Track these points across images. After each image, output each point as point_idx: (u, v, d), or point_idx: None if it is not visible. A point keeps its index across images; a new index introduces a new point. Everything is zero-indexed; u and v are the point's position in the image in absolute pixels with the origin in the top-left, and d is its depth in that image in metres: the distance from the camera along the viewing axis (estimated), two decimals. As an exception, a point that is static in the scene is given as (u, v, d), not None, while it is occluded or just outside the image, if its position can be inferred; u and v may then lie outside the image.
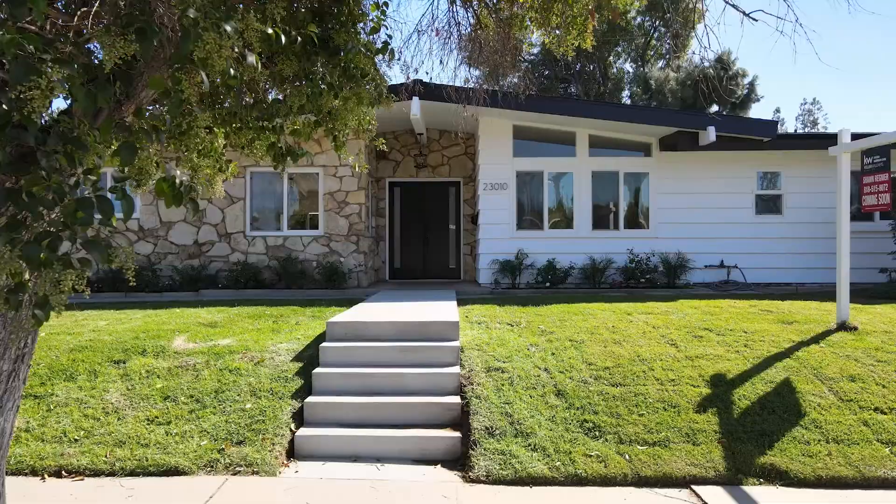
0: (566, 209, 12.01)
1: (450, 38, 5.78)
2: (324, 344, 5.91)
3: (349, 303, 8.88)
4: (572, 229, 11.84)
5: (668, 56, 37.63)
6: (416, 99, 10.48)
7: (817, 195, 11.58)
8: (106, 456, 4.52)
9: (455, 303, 8.29)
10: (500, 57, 5.69)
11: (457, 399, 5.26)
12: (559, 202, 12.06)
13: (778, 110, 61.54)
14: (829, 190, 11.60)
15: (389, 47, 4.25)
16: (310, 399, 5.27)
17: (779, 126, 10.57)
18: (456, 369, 5.61)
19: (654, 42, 38.14)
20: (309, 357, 5.97)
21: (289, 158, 4.41)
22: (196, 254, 11.52)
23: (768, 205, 11.76)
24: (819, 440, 4.66)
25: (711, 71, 33.01)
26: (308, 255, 11.52)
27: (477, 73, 7.78)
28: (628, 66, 39.61)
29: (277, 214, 11.79)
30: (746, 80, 32.34)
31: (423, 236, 13.65)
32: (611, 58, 38.36)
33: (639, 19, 36.77)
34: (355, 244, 11.54)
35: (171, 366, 5.77)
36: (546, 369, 5.69)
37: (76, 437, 4.74)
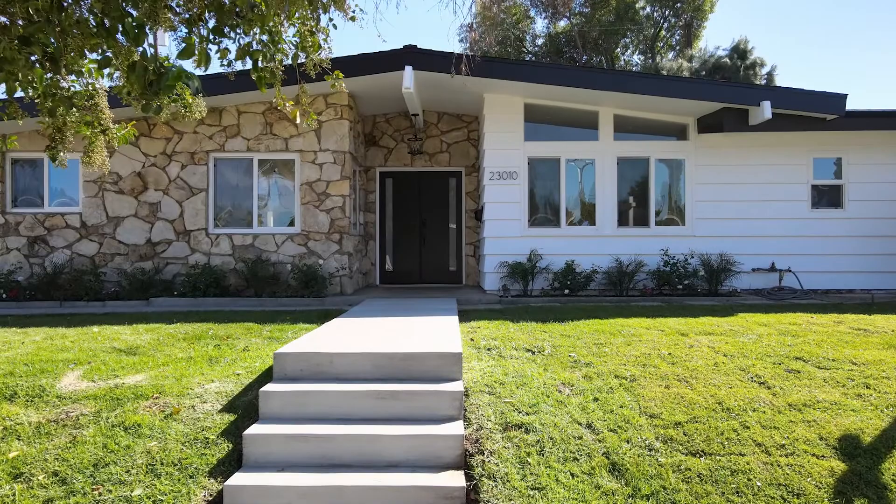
0: (587, 202, 10.20)
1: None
2: (267, 387, 4.10)
3: (323, 317, 7.08)
4: (594, 226, 10.03)
5: (678, 47, 35.94)
6: (408, 69, 8.69)
7: (886, 185, 9.77)
8: None
9: (456, 318, 6.48)
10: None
11: (459, 479, 3.45)
12: (579, 194, 10.24)
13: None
14: (902, 179, 9.81)
15: None
16: (235, 478, 3.46)
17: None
18: (458, 427, 3.80)
19: (663, 33, 36.41)
20: (246, 405, 4.16)
21: (166, 99, 2.65)
22: (149, 255, 9.72)
23: (827, 197, 9.94)
24: None
25: (728, 60, 31.29)
26: (282, 256, 9.72)
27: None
28: (636, 58, 37.87)
29: (246, 209, 9.98)
30: (765, 70, 30.46)
31: (419, 234, 11.85)
32: (618, 50, 36.65)
33: (647, 9, 35.10)
34: (338, 243, 9.73)
35: (44, 419, 3.96)
36: (589, 426, 3.88)
37: None
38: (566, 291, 9.35)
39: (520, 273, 9.48)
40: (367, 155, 11.72)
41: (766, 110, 8.62)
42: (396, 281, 11.78)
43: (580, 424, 3.89)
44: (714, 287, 9.45)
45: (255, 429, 3.76)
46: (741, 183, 9.88)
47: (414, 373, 4.28)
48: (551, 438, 3.71)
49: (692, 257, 9.58)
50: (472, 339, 5.62)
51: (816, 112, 8.85)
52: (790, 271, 9.70)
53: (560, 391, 4.36)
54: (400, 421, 3.89)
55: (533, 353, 5.22)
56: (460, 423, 3.87)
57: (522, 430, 3.80)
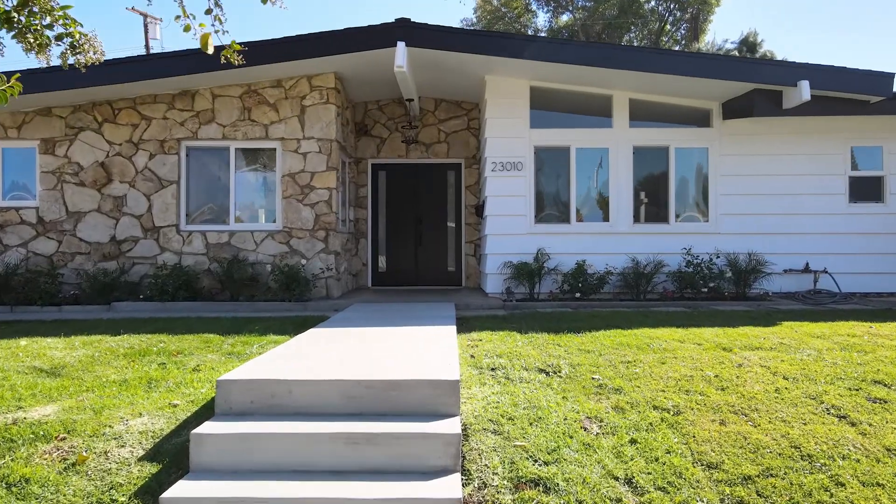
0: (600, 196, 9.23)
1: None
2: (202, 428, 3.12)
3: (300, 325, 6.12)
4: (608, 222, 9.06)
5: (684, 41, 35.04)
6: (401, 45, 7.71)
7: (933, 177, 8.81)
8: None
9: (454, 327, 5.52)
10: None
11: (455, 565, 2.48)
12: (591, 187, 9.27)
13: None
14: (951, 170, 8.84)
15: None
16: (143, 564, 2.49)
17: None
18: (454, 485, 2.83)
19: (668, 27, 35.52)
20: (177, 449, 3.19)
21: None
22: (113, 254, 8.75)
23: (866, 190, 8.96)
24: None
25: (737, 53, 30.33)
26: (261, 255, 8.75)
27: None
28: (641, 53, 36.82)
29: (222, 203, 8.99)
30: (775, 64, 29.45)
31: (414, 232, 10.88)
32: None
33: (652, 2, 34.27)
34: (323, 241, 8.76)
35: None
36: (629, 481, 2.91)
37: None
38: (577, 295, 8.38)
39: (525, 274, 8.51)
40: (358, 145, 10.75)
41: (803, 91, 7.65)
42: (390, 283, 10.81)
43: (617, 480, 2.92)
44: (742, 290, 8.48)
45: (179, 488, 2.79)
46: (770, 174, 8.91)
47: (397, 406, 3.30)
48: (580, 502, 2.74)
49: (717, 257, 8.61)
50: (472, 356, 4.65)
51: (860, 93, 7.88)
52: (826, 272, 8.72)
53: (586, 429, 3.38)
54: (377, 475, 2.92)
55: (547, 374, 4.25)
56: (457, 477, 2.90)
57: (540, 488, 2.83)
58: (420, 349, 4.29)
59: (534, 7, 35.41)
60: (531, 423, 3.39)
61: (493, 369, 4.32)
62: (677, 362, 4.50)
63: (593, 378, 4.13)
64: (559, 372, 4.28)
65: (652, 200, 9.20)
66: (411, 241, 10.88)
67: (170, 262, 8.66)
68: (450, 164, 10.86)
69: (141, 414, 3.53)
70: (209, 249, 8.76)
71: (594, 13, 34.18)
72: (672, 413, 3.57)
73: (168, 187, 8.78)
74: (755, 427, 3.40)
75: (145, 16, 25.96)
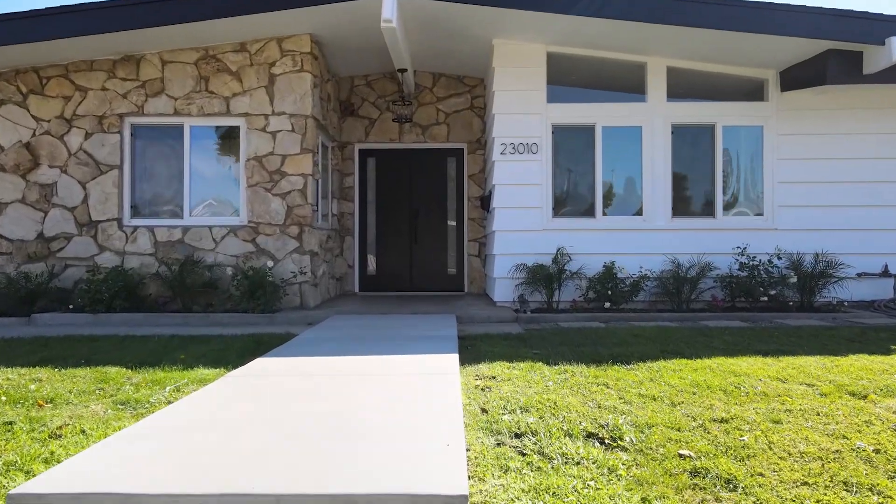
0: (632, 185, 7.67)
1: None
2: None
3: (250, 350, 4.56)
4: (641, 217, 7.51)
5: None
6: (389, -7, 6.14)
7: None
8: None
9: (456, 357, 3.98)
10: None
11: None
12: (621, 174, 7.71)
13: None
14: None
15: None
16: None
17: None
18: None
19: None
20: None
21: None
22: (41, 254, 7.19)
23: (956, 177, 7.41)
24: None
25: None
26: (222, 255, 7.20)
27: None
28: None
29: (174, 193, 7.44)
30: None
31: (409, 228, 9.32)
32: None
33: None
34: (296, 239, 7.20)
35: None
36: None
37: None
38: (606, 304, 6.83)
39: (542, 279, 6.96)
40: (343, 127, 9.19)
41: (893, 50, 6.09)
42: (380, 287, 9.24)
43: None
44: (807, 298, 6.92)
45: None
46: (838, 158, 7.37)
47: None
48: None
49: (778, 258, 7.05)
50: (483, 410, 3.09)
51: (965, 52, 6.30)
52: (909, 277, 7.17)
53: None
54: None
55: (604, 444, 2.69)
56: None
57: None
58: (403, 404, 2.74)
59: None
60: (600, 569, 1.83)
61: (517, 436, 2.75)
62: (798, 420, 2.94)
63: (681, 455, 2.57)
64: (620, 440, 2.72)
65: (694, 190, 7.64)
66: (405, 239, 9.32)
67: (110, 263, 7.11)
68: (450, 149, 9.29)
69: None
70: (158, 249, 7.20)
71: (601, 3, 32.55)
72: (845, 539, 2.00)
73: (108, 173, 7.22)
74: None
75: (130, 3, 24.41)
